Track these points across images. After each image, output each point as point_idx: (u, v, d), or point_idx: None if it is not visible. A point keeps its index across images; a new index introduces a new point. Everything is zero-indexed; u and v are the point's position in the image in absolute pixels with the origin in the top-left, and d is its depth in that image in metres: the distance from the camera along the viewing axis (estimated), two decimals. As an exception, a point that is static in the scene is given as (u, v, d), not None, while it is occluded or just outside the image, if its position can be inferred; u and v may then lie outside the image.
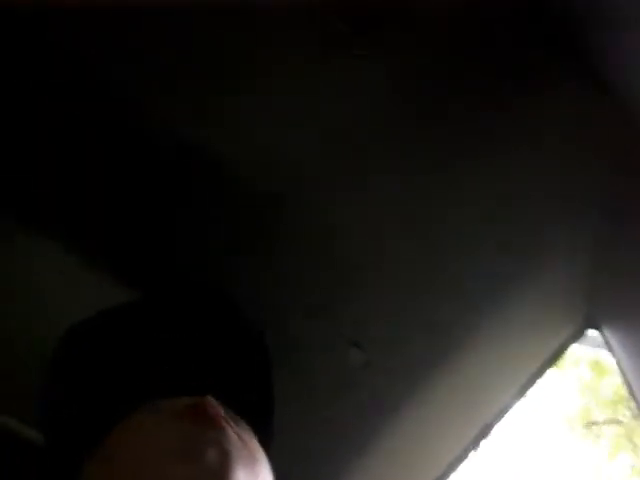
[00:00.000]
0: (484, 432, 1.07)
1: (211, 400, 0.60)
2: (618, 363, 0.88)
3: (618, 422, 5.70)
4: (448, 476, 1.04)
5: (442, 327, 0.93)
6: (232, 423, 0.61)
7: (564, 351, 1.01)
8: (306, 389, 0.89)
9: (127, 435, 0.60)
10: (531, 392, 1.03)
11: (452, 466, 1.04)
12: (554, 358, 1.01)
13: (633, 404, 0.92)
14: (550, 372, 1.02)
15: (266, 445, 0.67)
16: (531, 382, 1.03)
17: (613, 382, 5.48)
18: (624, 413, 5.55)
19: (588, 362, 5.54)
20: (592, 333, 0.96)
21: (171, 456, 0.55)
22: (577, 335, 0.99)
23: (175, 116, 0.78)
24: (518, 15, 0.73)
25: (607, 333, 0.92)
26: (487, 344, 0.97)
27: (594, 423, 5.78)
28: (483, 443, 1.06)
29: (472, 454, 1.07)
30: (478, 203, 0.86)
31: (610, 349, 0.90)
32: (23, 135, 0.79)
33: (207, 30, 0.73)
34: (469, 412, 1.05)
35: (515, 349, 1.00)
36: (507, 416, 1.05)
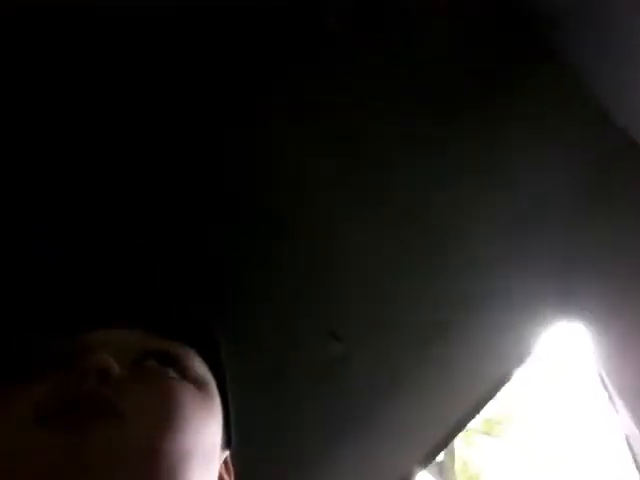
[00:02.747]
0: (460, 425, 1.08)
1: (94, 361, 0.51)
2: (588, 356, 0.89)
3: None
4: (425, 467, 1.05)
5: (420, 319, 0.94)
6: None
7: (540, 344, 1.02)
8: (283, 382, 0.89)
9: None
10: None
11: (428, 458, 1.05)
12: (531, 350, 1.02)
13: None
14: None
15: (212, 359, 0.61)
16: (507, 373, 1.04)
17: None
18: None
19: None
20: (563, 324, 0.97)
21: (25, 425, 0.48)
22: (547, 326, 1.00)
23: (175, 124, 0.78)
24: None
25: (583, 325, 0.93)
26: (465, 336, 0.98)
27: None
28: (459, 436, 1.07)
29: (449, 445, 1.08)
30: (466, 195, 0.87)
31: (585, 341, 0.91)
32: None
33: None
34: (447, 405, 1.06)
35: (492, 340, 1.01)
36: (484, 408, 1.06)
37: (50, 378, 0.52)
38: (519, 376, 0.99)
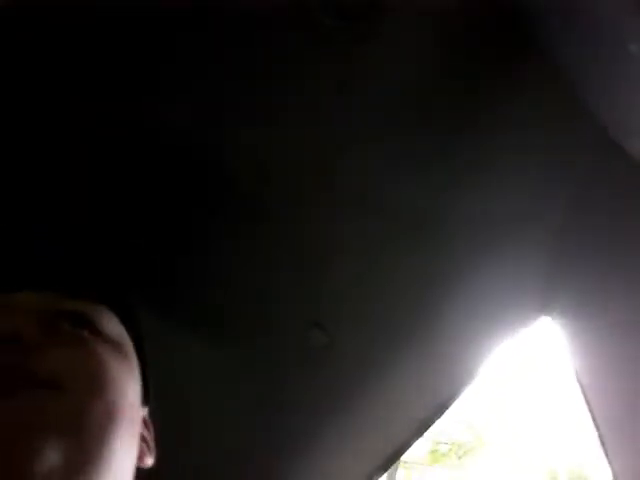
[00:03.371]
0: (438, 412, 1.10)
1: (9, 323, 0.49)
2: (567, 353, 0.90)
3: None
4: (403, 454, 1.08)
5: (405, 307, 0.95)
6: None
7: (519, 337, 1.04)
8: (266, 371, 0.90)
9: None
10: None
11: (406, 444, 1.07)
12: (510, 342, 1.04)
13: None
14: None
15: (129, 319, 0.60)
16: (488, 364, 1.06)
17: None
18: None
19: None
20: (545, 320, 0.99)
21: None
22: (530, 321, 1.02)
23: (172, 118, 0.77)
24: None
25: (559, 321, 0.95)
26: (446, 327, 1.00)
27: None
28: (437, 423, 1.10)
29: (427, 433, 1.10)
30: (446, 192, 0.87)
31: (560, 337, 0.93)
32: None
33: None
34: (428, 393, 1.08)
35: (474, 331, 1.03)
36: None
37: None
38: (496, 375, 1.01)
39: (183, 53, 0.71)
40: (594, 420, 0.81)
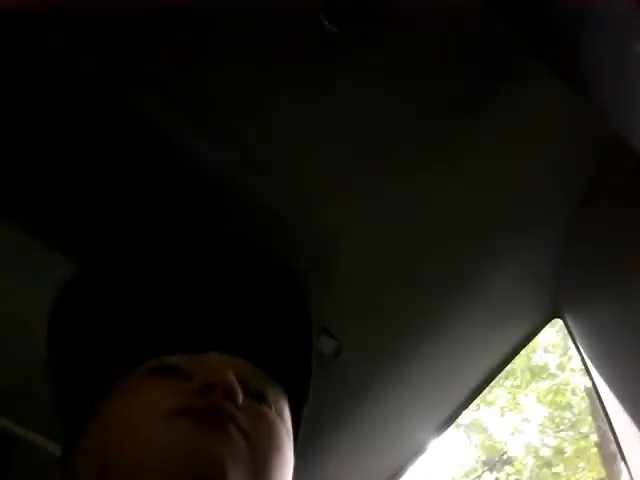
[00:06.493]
0: (453, 415, 1.09)
1: (229, 380, 0.55)
2: (581, 352, 0.90)
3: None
4: (415, 461, 1.06)
5: (412, 313, 0.95)
6: (250, 402, 0.57)
7: (530, 339, 1.03)
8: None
9: (123, 399, 0.57)
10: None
11: (420, 450, 1.06)
12: (521, 346, 1.03)
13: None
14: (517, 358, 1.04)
15: (299, 406, 0.65)
16: (500, 368, 1.05)
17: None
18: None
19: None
20: (558, 322, 0.98)
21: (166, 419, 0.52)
22: (544, 324, 1.01)
23: (174, 126, 0.79)
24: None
25: (571, 322, 0.94)
26: (456, 330, 0.99)
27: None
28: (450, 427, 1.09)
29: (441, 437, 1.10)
30: (454, 194, 0.87)
31: (573, 338, 0.92)
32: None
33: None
34: (439, 397, 1.07)
35: (484, 335, 1.02)
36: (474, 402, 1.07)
37: (169, 381, 0.56)
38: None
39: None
40: (607, 418, 0.80)
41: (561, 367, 6.50)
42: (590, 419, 6.21)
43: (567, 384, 6.51)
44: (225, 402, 0.54)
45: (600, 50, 0.66)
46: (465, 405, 1.09)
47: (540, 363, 6.48)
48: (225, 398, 0.54)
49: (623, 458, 0.76)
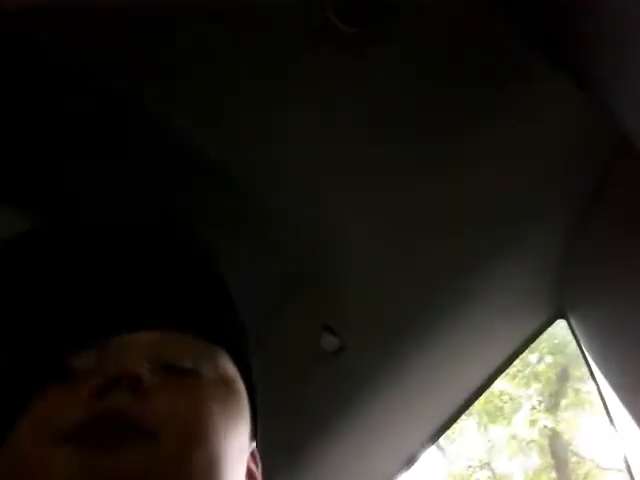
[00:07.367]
0: (455, 415, 1.09)
1: (128, 369, 0.49)
2: (584, 352, 0.89)
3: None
4: (419, 458, 1.06)
5: (415, 310, 0.95)
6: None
7: (534, 340, 1.03)
8: (278, 375, 0.90)
9: (30, 409, 0.51)
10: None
11: (423, 446, 1.06)
12: (524, 347, 1.03)
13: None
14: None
15: (243, 359, 0.60)
16: (502, 368, 1.05)
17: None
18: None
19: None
20: (561, 322, 0.98)
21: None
22: (547, 324, 1.01)
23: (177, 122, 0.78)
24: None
25: (576, 323, 0.94)
26: (458, 330, 0.99)
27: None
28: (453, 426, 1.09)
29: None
30: (456, 193, 0.87)
31: (577, 338, 0.92)
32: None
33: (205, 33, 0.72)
34: (441, 396, 1.07)
35: (486, 335, 1.02)
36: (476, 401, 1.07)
37: (71, 386, 0.51)
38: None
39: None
40: (611, 421, 0.80)
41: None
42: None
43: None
44: (125, 403, 0.48)
45: (613, 50, 0.65)
46: (466, 405, 1.08)
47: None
48: (130, 390, 0.48)
49: (626, 462, 0.76)
